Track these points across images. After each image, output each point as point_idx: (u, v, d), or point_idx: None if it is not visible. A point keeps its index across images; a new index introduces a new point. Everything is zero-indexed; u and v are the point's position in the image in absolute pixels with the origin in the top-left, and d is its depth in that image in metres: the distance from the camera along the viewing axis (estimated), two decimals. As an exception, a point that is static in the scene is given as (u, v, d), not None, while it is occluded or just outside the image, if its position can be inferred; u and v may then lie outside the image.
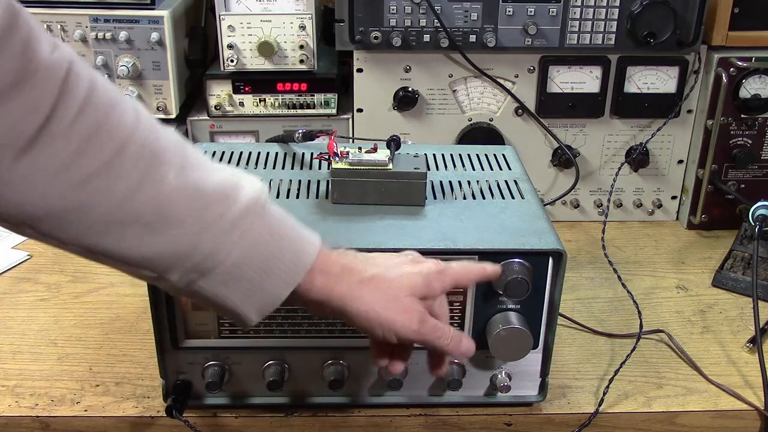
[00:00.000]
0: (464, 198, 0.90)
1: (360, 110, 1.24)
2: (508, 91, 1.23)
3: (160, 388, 0.86)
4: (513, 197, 0.91)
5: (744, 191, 1.26)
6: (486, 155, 1.02)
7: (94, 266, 1.14)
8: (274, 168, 0.97)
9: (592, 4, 1.16)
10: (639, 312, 0.98)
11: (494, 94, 1.24)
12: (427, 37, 1.17)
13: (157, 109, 1.22)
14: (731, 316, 1.06)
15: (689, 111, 1.25)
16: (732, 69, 1.18)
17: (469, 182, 0.94)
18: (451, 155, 1.01)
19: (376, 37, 1.16)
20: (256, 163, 0.97)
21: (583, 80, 1.23)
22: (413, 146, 1.06)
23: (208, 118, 1.25)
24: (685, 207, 1.31)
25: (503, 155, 1.02)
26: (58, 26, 1.16)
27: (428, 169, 0.94)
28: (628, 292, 1.01)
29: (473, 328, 0.83)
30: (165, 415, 0.83)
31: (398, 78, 1.22)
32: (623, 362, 0.93)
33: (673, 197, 1.32)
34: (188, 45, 1.26)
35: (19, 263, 1.15)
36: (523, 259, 0.80)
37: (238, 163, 0.97)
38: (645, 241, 1.26)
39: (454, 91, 1.23)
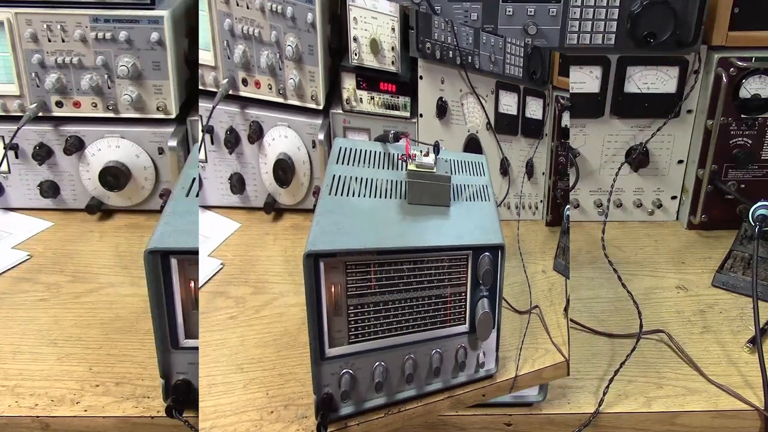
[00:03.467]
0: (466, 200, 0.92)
1: (421, 115, 1.24)
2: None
3: (160, 388, 0.86)
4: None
5: (744, 191, 1.26)
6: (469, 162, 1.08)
7: (94, 266, 1.14)
8: (376, 168, 1.00)
9: (592, 4, 1.16)
10: (639, 312, 0.98)
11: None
12: (450, 53, 1.17)
13: (157, 109, 1.22)
14: (731, 316, 1.06)
15: (689, 111, 1.25)
16: (732, 69, 1.18)
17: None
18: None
19: (428, 48, 1.17)
20: (371, 163, 1.00)
21: (583, 80, 1.23)
22: (445, 152, 1.09)
23: (342, 112, 1.26)
24: (685, 207, 1.31)
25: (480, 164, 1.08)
26: (58, 26, 1.16)
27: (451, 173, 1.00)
28: (628, 292, 1.01)
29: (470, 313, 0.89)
30: (165, 415, 0.83)
31: (437, 89, 1.22)
32: (623, 362, 0.93)
33: (673, 197, 1.32)
34: (188, 45, 1.26)
35: (19, 263, 1.15)
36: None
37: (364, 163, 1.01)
38: (645, 241, 1.26)
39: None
